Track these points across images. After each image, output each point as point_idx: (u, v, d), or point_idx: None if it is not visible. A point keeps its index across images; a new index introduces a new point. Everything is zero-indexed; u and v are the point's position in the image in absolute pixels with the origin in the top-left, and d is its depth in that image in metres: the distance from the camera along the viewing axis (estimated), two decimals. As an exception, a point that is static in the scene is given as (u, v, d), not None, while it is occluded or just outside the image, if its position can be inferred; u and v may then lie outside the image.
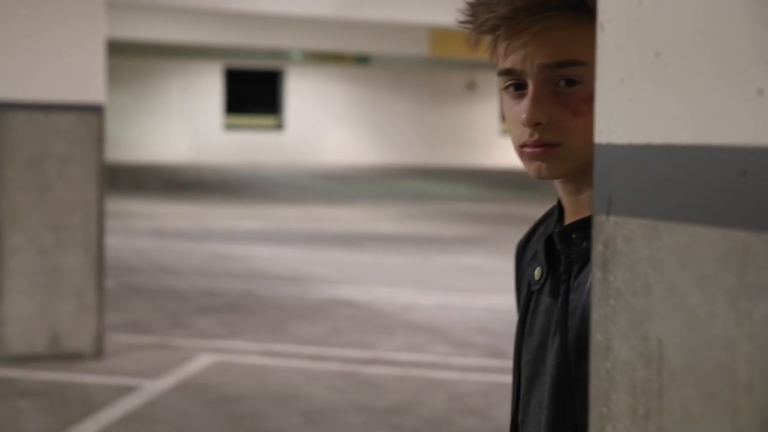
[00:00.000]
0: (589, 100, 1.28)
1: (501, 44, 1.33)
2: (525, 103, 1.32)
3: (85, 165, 6.12)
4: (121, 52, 20.63)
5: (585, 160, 1.31)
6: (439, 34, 19.33)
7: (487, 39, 1.35)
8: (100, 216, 6.22)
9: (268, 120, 27.62)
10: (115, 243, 10.48)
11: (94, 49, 6.11)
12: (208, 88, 26.90)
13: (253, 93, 27.85)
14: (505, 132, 28.13)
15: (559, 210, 1.42)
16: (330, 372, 6.07)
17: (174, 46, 20.49)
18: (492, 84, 27.80)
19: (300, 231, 12.83)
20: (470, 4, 1.35)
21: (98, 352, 6.20)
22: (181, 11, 15.93)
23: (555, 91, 1.31)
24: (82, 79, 6.10)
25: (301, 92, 27.12)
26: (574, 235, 1.36)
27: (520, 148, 1.33)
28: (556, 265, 1.39)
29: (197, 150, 26.52)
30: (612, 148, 0.94)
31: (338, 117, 27.28)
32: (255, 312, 7.74)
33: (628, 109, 0.92)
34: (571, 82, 1.30)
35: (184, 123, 26.62)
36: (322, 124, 27.19)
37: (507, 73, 1.33)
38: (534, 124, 1.30)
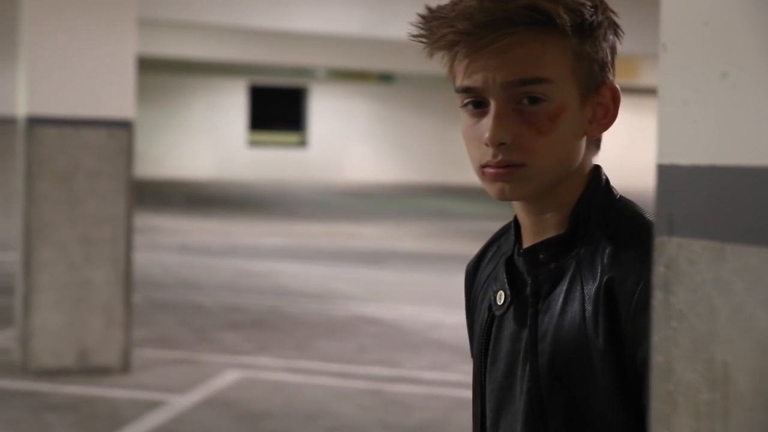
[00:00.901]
0: (554, 118, 1.25)
1: (460, 61, 1.27)
2: (487, 122, 1.25)
3: (114, 180, 6.15)
4: (146, 67, 20.78)
5: (549, 180, 1.27)
6: (464, 53, 19.34)
7: (443, 54, 1.28)
8: (129, 231, 6.25)
9: (291, 137, 27.70)
10: (140, 258, 10.52)
11: (124, 65, 6.15)
12: (233, 105, 27.02)
13: (278, 110, 27.95)
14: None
15: (515, 230, 1.36)
16: (356, 390, 6.06)
17: (199, 62, 20.61)
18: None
19: (324, 248, 12.84)
20: (425, 18, 1.27)
21: (125, 366, 6.21)
22: (206, 28, 16.02)
23: (518, 109, 1.25)
24: (113, 95, 6.14)
25: (324, 109, 27.20)
26: (541, 256, 1.30)
27: (482, 168, 1.27)
28: (520, 288, 1.32)
29: (221, 166, 26.61)
30: (675, 170, 0.94)
31: (362, 134, 27.33)
32: (281, 328, 7.74)
33: (692, 131, 0.92)
34: (534, 100, 1.25)
35: (209, 139, 26.74)
36: (346, 141, 27.25)
37: (466, 90, 1.27)
38: (497, 144, 1.24)
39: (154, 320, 7.82)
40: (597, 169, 1.34)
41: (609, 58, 1.31)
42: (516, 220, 1.36)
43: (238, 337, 7.37)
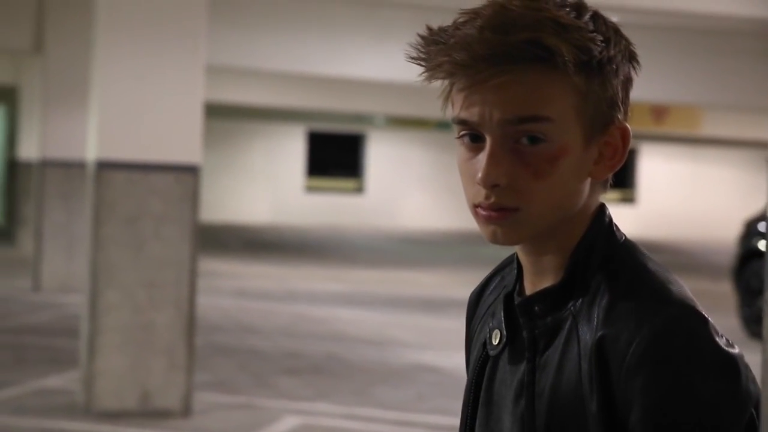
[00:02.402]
0: (553, 160, 1.17)
1: (456, 91, 1.19)
2: (482, 159, 1.17)
3: (179, 224, 6.22)
4: (206, 113, 21.06)
5: (546, 225, 1.19)
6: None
7: (440, 79, 1.20)
8: (193, 275, 6.30)
9: (349, 183, 27.84)
10: (199, 301, 10.59)
11: (192, 110, 6.25)
12: (291, 150, 27.25)
13: (335, 156, 28.14)
14: (586, 200, 27.95)
15: (517, 264, 1.27)
16: (416, 438, 6.02)
17: (259, 108, 20.84)
18: (573, 151, 27.72)
19: (381, 294, 12.83)
20: (424, 40, 1.19)
21: (186, 410, 6.24)
22: (267, 75, 16.21)
23: (516, 148, 1.17)
24: (181, 139, 6.23)
25: (382, 156, 27.32)
26: (537, 308, 1.22)
27: (475, 207, 1.19)
28: (516, 332, 1.25)
29: (278, 211, 26.79)
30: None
31: (418, 181, 27.38)
32: (339, 374, 7.73)
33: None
34: (534, 140, 1.16)
35: (267, 184, 26.96)
36: (403, 188, 27.32)
37: (462, 123, 1.19)
38: (491, 185, 1.16)
39: (214, 364, 7.86)
40: (602, 209, 1.24)
41: (620, 94, 1.21)
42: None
43: (296, 383, 7.37)
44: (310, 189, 27.62)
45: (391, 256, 18.75)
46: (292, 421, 6.28)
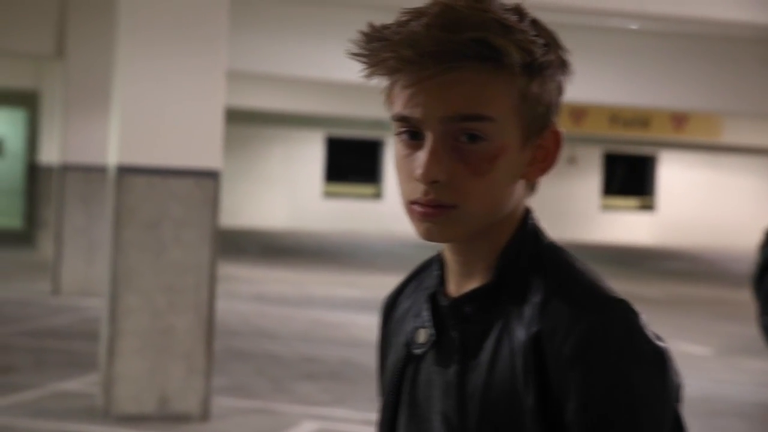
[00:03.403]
0: (492, 159, 1.18)
1: (400, 88, 1.19)
2: (421, 156, 1.17)
3: (199, 229, 6.25)
4: (226, 118, 21.12)
5: (481, 224, 1.20)
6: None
7: (382, 78, 1.21)
8: (212, 279, 6.33)
9: (367, 189, 27.86)
10: (218, 306, 10.62)
11: (213, 116, 6.27)
12: (310, 156, 27.30)
13: (353, 162, 28.17)
14: (605, 207, 27.87)
15: (440, 266, 1.27)
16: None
17: (278, 114, 20.89)
18: (593, 159, 27.66)
19: (399, 300, 12.82)
20: (366, 36, 1.19)
21: (205, 414, 6.26)
22: (286, 81, 16.26)
23: (456, 146, 1.17)
24: (201, 145, 6.26)
25: (400, 162, 27.32)
26: (467, 309, 1.22)
27: (411, 204, 1.19)
28: (443, 332, 1.24)
29: (296, 216, 26.84)
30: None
31: (437, 187, 27.38)
32: (356, 380, 7.74)
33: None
34: (474, 138, 1.17)
35: (285, 189, 27.01)
36: (421, 194, 27.31)
37: (403, 119, 1.19)
38: (430, 181, 1.17)
39: (232, 369, 7.87)
40: (528, 213, 1.26)
41: (555, 99, 1.23)
42: (441, 256, 1.29)
43: (314, 388, 7.38)
44: (328, 194, 27.65)
45: (409, 262, 18.73)
46: (309, 426, 6.29)
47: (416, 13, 1.19)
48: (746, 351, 9.90)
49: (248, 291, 13.00)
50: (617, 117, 20.01)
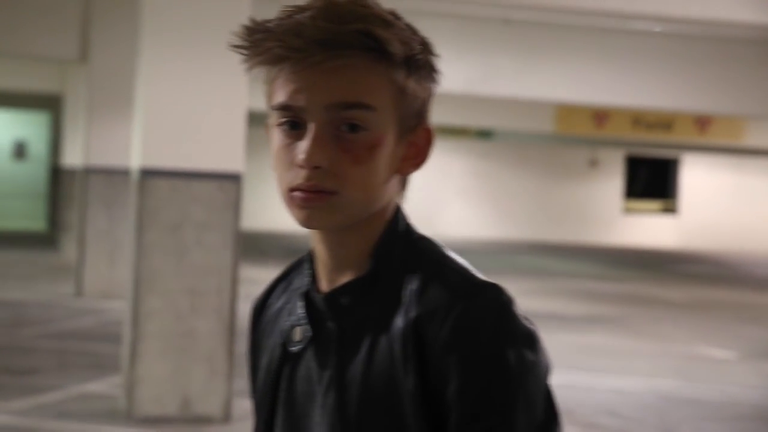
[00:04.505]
0: (372, 148, 1.21)
1: (283, 77, 1.22)
2: (302, 145, 1.21)
3: (221, 232, 6.26)
4: (248, 121, 21.18)
5: (358, 213, 1.23)
6: (564, 111, 19.31)
7: (265, 69, 1.24)
8: (234, 282, 6.34)
9: (388, 191, 27.88)
10: (240, 309, 10.64)
11: (236, 119, 6.29)
12: (331, 159, 27.34)
13: (375, 164, 28.20)
14: (628, 210, 27.75)
15: (310, 265, 1.30)
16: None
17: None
18: (615, 162, 27.56)
19: (421, 303, 12.82)
20: (250, 29, 1.23)
21: (226, 416, 6.27)
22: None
23: (337, 135, 1.21)
24: (224, 148, 6.27)
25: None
26: (343, 300, 1.25)
27: (290, 192, 1.22)
28: (320, 327, 1.26)
29: (318, 219, 26.87)
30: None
31: (458, 190, 27.35)
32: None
33: None
34: (354, 128, 1.21)
35: (307, 192, 27.06)
36: (442, 196, 27.30)
37: (285, 108, 1.23)
38: (313, 167, 1.20)
39: (254, 371, 7.88)
40: (399, 208, 1.29)
41: (428, 99, 1.28)
42: (311, 254, 1.31)
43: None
44: (350, 197, 27.64)
45: (431, 265, 18.70)
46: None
47: (299, 8, 1.22)
48: (770, 355, 9.84)
49: (270, 294, 13.01)
50: (640, 120, 19.93)
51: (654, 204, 28.06)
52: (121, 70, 10.91)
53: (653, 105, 14.10)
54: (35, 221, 23.00)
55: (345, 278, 1.27)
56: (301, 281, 1.32)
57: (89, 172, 11.44)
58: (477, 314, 1.18)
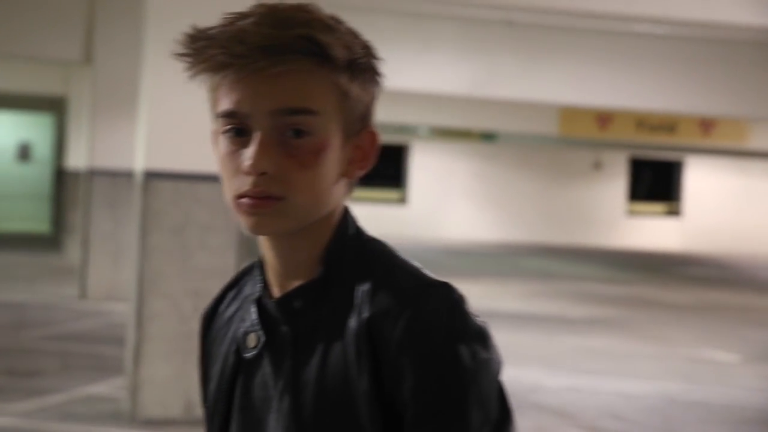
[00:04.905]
0: (318, 152, 1.22)
1: (227, 85, 1.23)
2: (248, 151, 1.20)
3: (224, 234, 6.27)
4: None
5: (307, 217, 1.24)
6: (568, 113, 19.30)
7: (208, 76, 1.25)
8: (238, 285, 6.34)
9: (392, 194, 27.88)
10: (244, 311, 10.64)
11: (239, 122, 6.29)
12: (335, 161, 27.35)
13: (378, 167, 28.19)
14: (631, 212, 27.74)
15: (261, 271, 1.30)
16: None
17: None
18: (619, 164, 27.55)
19: (424, 306, 12.81)
20: (192, 37, 1.25)
21: (230, 419, 6.27)
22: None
23: (282, 140, 1.21)
24: (227, 151, 6.27)
25: (425, 167, 27.33)
26: (296, 304, 1.26)
27: (237, 199, 1.22)
28: (273, 333, 1.27)
29: (322, 221, 26.89)
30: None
31: (462, 193, 27.36)
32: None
33: None
34: (299, 133, 1.21)
35: (310, 194, 27.08)
36: (446, 199, 27.30)
37: (230, 115, 1.23)
38: (260, 173, 1.20)
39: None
40: (347, 211, 1.31)
41: (372, 102, 1.29)
42: (261, 261, 1.31)
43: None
44: (353, 199, 27.62)
45: (434, 268, 18.67)
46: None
47: (241, 15, 1.23)
48: (774, 358, 9.83)
49: (273, 296, 13.02)
50: (644, 122, 19.93)
51: (658, 206, 28.05)
52: (126, 73, 10.93)
53: (657, 107, 14.09)
54: (39, 223, 23.04)
55: (296, 283, 1.27)
56: (252, 288, 1.32)
57: (93, 174, 11.45)
58: (429, 313, 1.19)
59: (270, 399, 1.26)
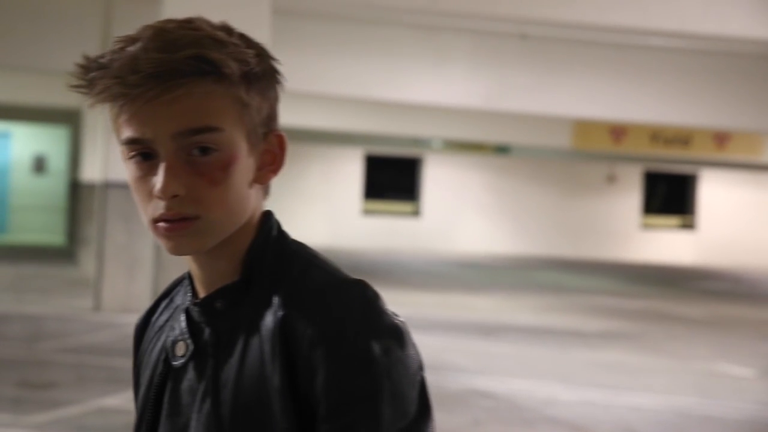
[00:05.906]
0: (226, 167, 1.23)
1: (126, 112, 1.23)
2: (158, 175, 1.22)
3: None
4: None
5: (225, 231, 1.25)
6: (581, 126, 19.29)
7: (107, 105, 1.25)
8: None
9: (405, 206, 27.89)
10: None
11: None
12: (348, 173, 27.38)
13: (392, 179, 28.22)
14: (646, 226, 27.67)
15: (190, 281, 1.32)
16: (472, 464, 5.99)
17: (317, 131, 20.98)
18: (633, 177, 27.50)
19: (436, 318, 12.81)
20: (84, 68, 1.25)
21: (243, 431, 6.27)
22: (326, 98, 16.34)
23: (190, 160, 1.22)
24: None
25: (439, 180, 27.34)
26: (217, 305, 1.28)
27: (154, 223, 1.23)
28: (199, 339, 1.30)
29: (335, 233, 26.91)
30: None
31: (476, 205, 27.35)
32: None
33: None
34: (205, 150, 1.22)
35: (324, 206, 27.10)
36: (460, 212, 27.30)
37: (134, 142, 1.24)
38: (171, 196, 1.21)
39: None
40: (268, 214, 1.32)
41: (274, 105, 1.31)
42: (189, 272, 1.33)
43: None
44: (367, 212, 27.70)
45: (448, 280, 18.72)
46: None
47: (129, 39, 1.24)
48: (789, 372, 9.78)
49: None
50: (658, 135, 19.90)
51: (672, 220, 27.97)
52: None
53: (671, 120, 14.07)
54: (54, 235, 23.12)
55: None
56: (182, 298, 1.35)
57: (108, 186, 11.50)
58: (343, 310, 1.21)
59: (195, 403, 1.28)
